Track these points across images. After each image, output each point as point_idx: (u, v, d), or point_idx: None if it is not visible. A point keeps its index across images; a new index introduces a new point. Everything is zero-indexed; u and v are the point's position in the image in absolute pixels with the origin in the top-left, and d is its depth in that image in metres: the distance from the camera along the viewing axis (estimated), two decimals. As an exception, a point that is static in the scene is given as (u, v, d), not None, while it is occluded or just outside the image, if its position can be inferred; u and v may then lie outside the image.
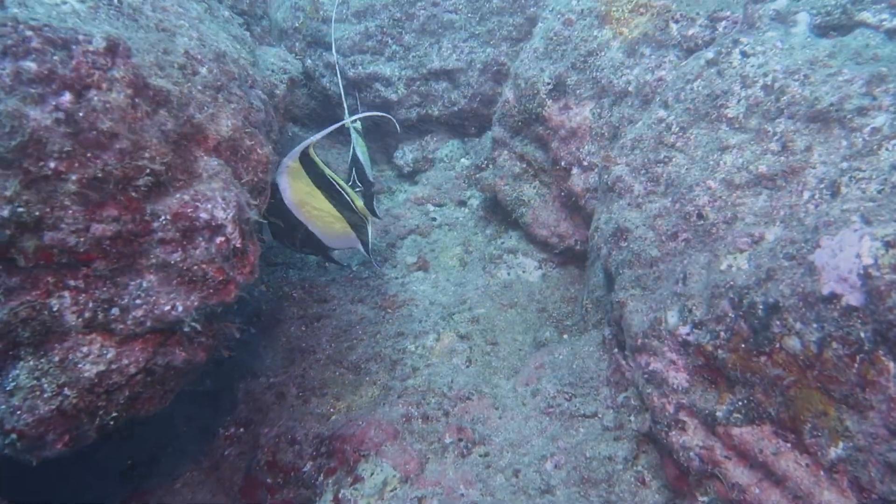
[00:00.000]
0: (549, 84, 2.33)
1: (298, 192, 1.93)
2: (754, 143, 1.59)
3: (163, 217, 1.07)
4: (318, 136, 1.86)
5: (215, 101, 1.22)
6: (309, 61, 3.32)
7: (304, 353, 2.35)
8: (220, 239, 1.11)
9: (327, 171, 2.01)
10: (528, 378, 2.03)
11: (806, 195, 1.44)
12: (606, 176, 1.93)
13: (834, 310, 1.23)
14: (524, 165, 2.58)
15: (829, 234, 1.28)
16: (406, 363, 2.19)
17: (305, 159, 1.92)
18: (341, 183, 2.02)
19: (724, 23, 2.04)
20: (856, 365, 1.21)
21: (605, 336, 1.96)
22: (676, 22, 2.07)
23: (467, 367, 2.14)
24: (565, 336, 2.32)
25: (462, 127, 3.24)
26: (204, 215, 1.09)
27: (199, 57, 1.21)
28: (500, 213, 2.75)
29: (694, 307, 1.50)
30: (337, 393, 2.17)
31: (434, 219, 2.97)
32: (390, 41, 3.07)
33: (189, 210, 1.08)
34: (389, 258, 2.80)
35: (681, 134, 1.79)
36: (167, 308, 1.08)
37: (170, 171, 1.09)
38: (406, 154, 3.34)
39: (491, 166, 2.67)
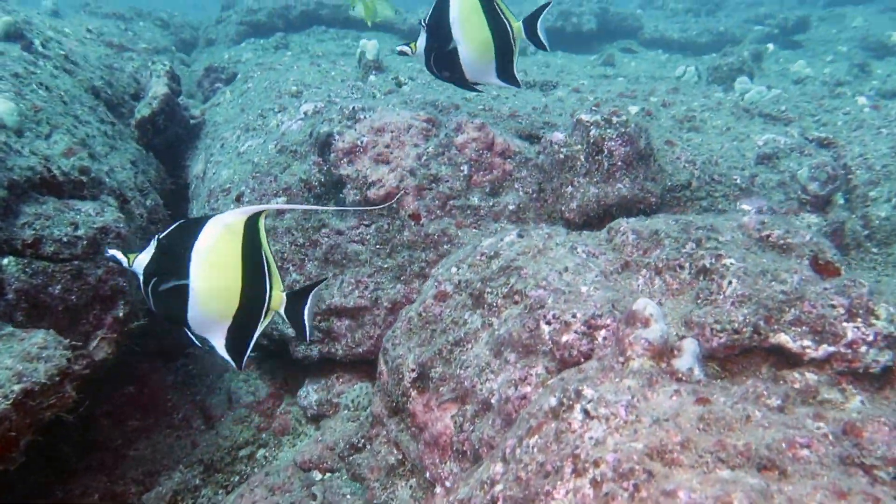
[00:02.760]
0: (413, 371, 2.09)
1: (217, 246, 1.79)
2: (569, 575, 1.25)
3: None
4: (282, 206, 1.75)
5: None
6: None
7: None
8: None
9: (265, 244, 1.85)
10: None
11: None
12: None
13: None
14: (400, 456, 2.28)
15: None
16: None
17: (250, 225, 1.81)
18: (271, 263, 1.87)
19: (603, 332, 1.77)
20: None
21: None
22: (549, 324, 1.82)
23: None
24: None
25: (372, 369, 3.02)
26: None
27: None
28: (384, 501, 2.42)
29: None
30: None
31: (314, 496, 2.66)
32: (291, 268, 2.96)
33: None
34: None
35: (506, 515, 1.47)
36: None
37: None
38: (310, 394, 3.11)
39: (368, 447, 2.39)
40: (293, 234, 2.96)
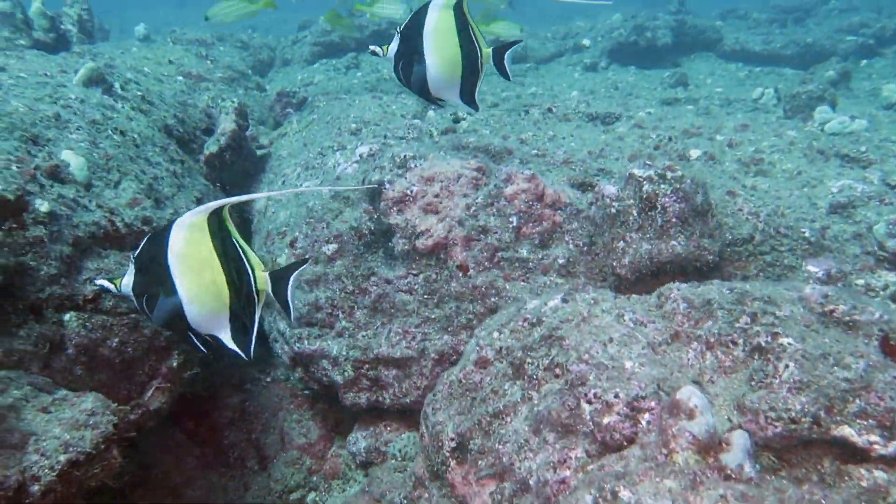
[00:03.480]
0: (452, 441, 2.06)
1: (187, 248, 1.85)
2: None
3: None
4: (241, 198, 2.01)
5: None
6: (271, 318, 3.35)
7: None
8: None
9: (235, 233, 1.94)
10: None
11: None
12: None
13: None
14: (440, 522, 2.26)
15: None
16: None
17: (214, 220, 1.88)
18: (246, 249, 1.95)
19: (647, 416, 1.69)
20: None
21: None
22: (590, 403, 1.76)
23: None
24: None
25: (418, 419, 3.01)
26: None
27: None
28: (426, 562, 2.40)
29: None
30: None
31: (358, 550, 2.67)
32: (341, 315, 3.00)
33: None
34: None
35: None
36: None
37: None
38: (359, 440, 3.14)
39: (410, 508, 2.38)
40: (343, 282, 3.00)
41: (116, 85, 4.42)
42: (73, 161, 2.77)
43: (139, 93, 4.63)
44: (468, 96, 2.72)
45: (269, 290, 2.00)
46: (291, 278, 2.00)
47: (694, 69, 8.52)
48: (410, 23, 2.66)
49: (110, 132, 3.69)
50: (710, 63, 9.25)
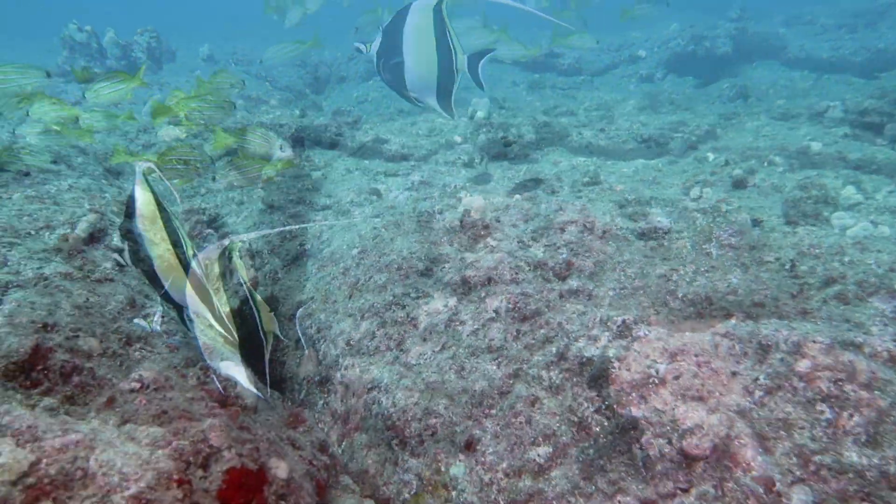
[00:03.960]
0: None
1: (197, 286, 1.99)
2: None
3: None
4: (254, 234, 1.99)
5: None
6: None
7: None
8: None
9: (243, 276, 2.05)
10: None
11: None
12: None
13: None
14: (489, 559, 2.25)
15: None
16: None
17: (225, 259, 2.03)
18: (255, 295, 2.05)
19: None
20: None
21: None
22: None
23: None
24: None
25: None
26: None
27: None
28: None
29: None
30: None
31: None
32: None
33: None
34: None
35: None
36: None
37: None
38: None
39: (459, 542, 2.38)
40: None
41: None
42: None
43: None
44: (444, 101, 2.75)
45: (277, 330, 2.11)
46: (297, 314, 2.14)
47: (755, 78, 8.29)
48: (393, 21, 2.71)
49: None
50: (772, 71, 8.99)
